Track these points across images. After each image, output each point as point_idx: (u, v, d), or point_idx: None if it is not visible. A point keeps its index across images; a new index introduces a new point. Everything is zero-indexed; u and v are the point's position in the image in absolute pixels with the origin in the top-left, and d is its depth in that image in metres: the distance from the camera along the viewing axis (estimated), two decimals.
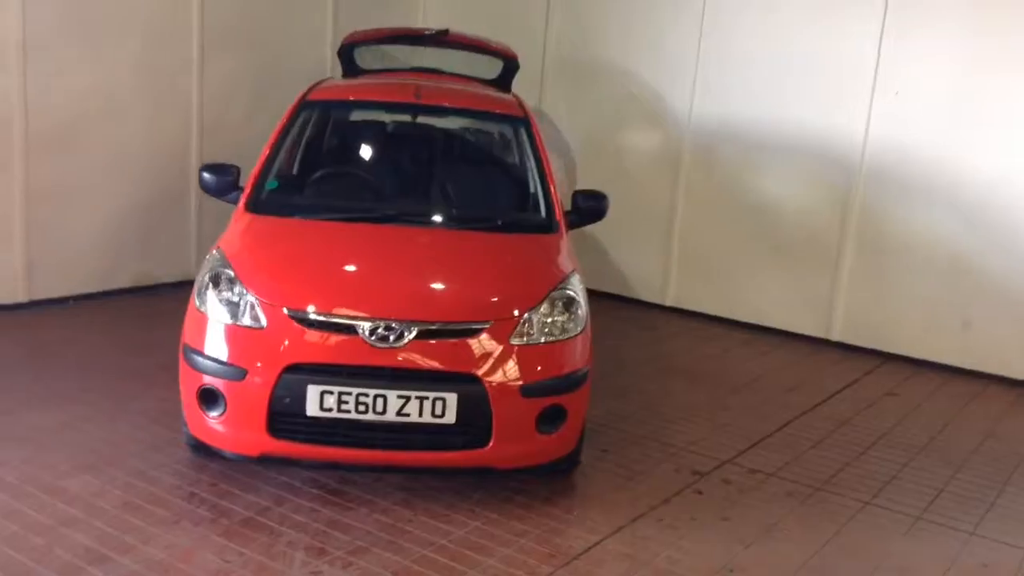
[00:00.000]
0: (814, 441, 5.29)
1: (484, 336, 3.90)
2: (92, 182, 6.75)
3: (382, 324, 3.82)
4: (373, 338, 3.80)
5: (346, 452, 3.85)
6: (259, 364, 3.80)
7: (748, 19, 7.42)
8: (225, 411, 3.87)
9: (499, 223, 4.65)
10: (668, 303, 8.08)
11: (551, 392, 3.99)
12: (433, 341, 3.86)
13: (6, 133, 6.18)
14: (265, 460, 3.99)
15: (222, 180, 4.71)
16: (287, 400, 3.78)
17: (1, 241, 6.25)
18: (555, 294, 4.15)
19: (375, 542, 3.77)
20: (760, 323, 7.63)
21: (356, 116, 5.51)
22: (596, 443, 4.92)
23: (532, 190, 5.00)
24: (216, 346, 3.89)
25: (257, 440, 3.85)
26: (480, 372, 3.85)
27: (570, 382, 4.07)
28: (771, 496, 4.53)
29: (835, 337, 7.38)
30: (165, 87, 7.05)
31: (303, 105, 5.11)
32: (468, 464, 3.95)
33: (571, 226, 4.92)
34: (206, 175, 4.72)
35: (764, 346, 7.25)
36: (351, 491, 4.17)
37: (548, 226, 4.68)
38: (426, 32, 7.08)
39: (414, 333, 3.83)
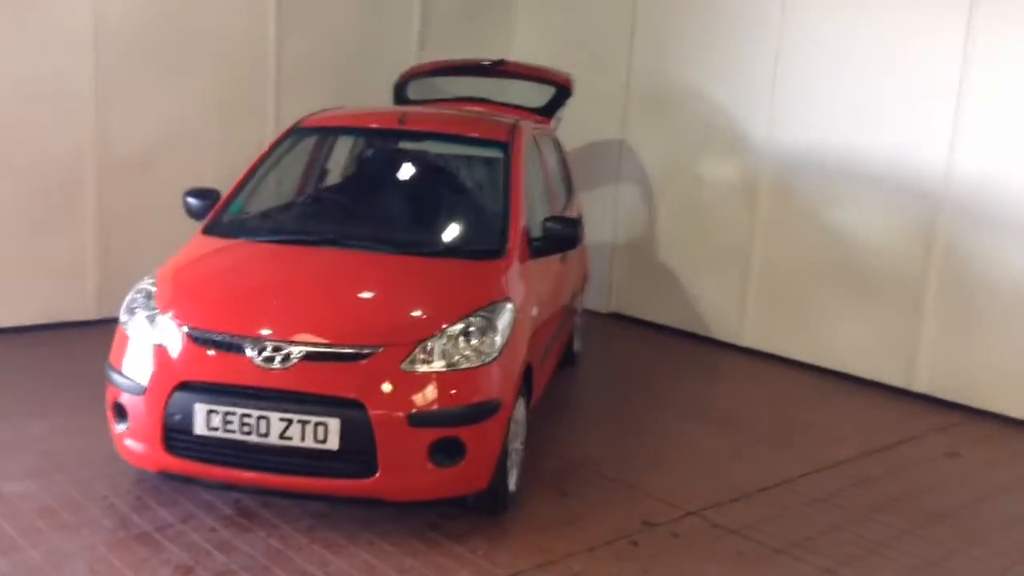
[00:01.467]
0: (814, 499, 4.76)
1: (373, 361, 3.79)
2: (166, 207, 7.13)
3: (269, 345, 3.79)
4: (260, 359, 3.78)
5: (234, 473, 3.83)
6: (155, 381, 3.86)
7: (827, 44, 6.89)
8: (128, 426, 3.96)
9: (440, 248, 4.51)
10: (744, 343, 7.57)
11: (444, 423, 3.81)
12: (319, 364, 3.78)
13: (81, 161, 6.65)
14: (167, 477, 4.03)
15: (205, 204, 4.85)
16: (177, 418, 3.82)
17: (75, 263, 6.71)
18: (468, 321, 3.97)
19: (249, 566, 3.72)
20: (838, 369, 7.00)
21: (346, 143, 5.52)
22: (560, 482, 4.68)
23: (493, 216, 4.83)
24: (127, 362, 3.99)
25: (155, 456, 3.90)
26: (364, 398, 3.73)
27: (469, 413, 3.86)
28: (714, 554, 4.10)
29: (918, 388, 6.64)
30: (240, 115, 7.34)
31: (292, 131, 5.21)
32: (354, 493, 3.83)
33: (537, 252, 4.70)
34: (191, 200, 4.87)
35: (835, 394, 6.64)
36: (264, 514, 4.14)
37: (496, 252, 4.49)
38: (483, 63, 7.06)
39: (300, 355, 3.77)
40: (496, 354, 3.97)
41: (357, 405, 3.72)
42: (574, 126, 8.37)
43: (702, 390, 6.52)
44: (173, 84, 7.03)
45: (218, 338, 3.86)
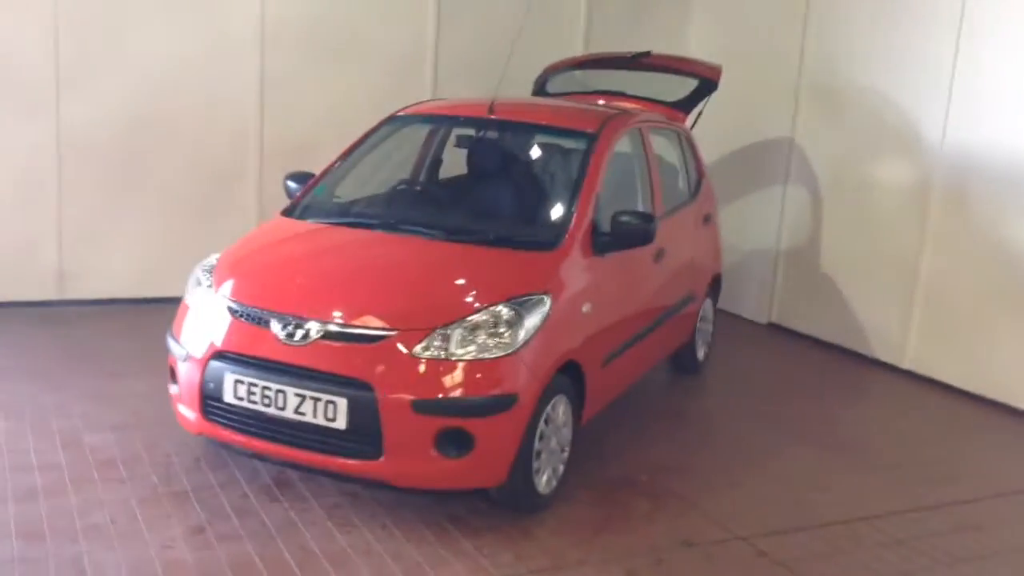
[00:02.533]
0: (895, 540, 4.24)
1: (387, 344, 3.78)
2: None
3: (292, 321, 3.88)
4: (283, 334, 3.87)
5: (256, 443, 3.95)
6: (197, 349, 4.06)
7: (1012, 37, 6.09)
8: (179, 391, 4.19)
9: (491, 237, 4.41)
10: (904, 365, 6.87)
11: (450, 412, 3.74)
12: (335, 343, 3.82)
13: (245, 153, 7.13)
14: (207, 440, 4.22)
15: (301, 187, 5.05)
16: (212, 385, 3.99)
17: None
18: (492, 311, 3.87)
19: (256, 534, 3.83)
20: (1006, 402, 6.20)
21: (438, 131, 5.51)
22: (612, 489, 4.49)
23: (558, 207, 4.66)
24: (182, 331, 4.22)
25: (196, 420, 4.11)
26: (373, 380, 3.73)
27: (478, 405, 3.76)
28: None
29: None
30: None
31: (388, 120, 5.30)
32: (361, 474, 3.84)
33: (604, 248, 4.51)
34: (290, 183, 5.09)
35: (989, 429, 5.89)
36: (299, 487, 4.26)
37: (551, 244, 4.34)
38: (627, 56, 6.86)
39: (319, 333, 3.83)
40: (516, 347, 3.84)
41: (366, 386, 3.72)
42: (742, 122, 8.01)
43: (831, 412, 5.96)
44: (331, 82, 7.35)
45: (251, 312, 3.99)
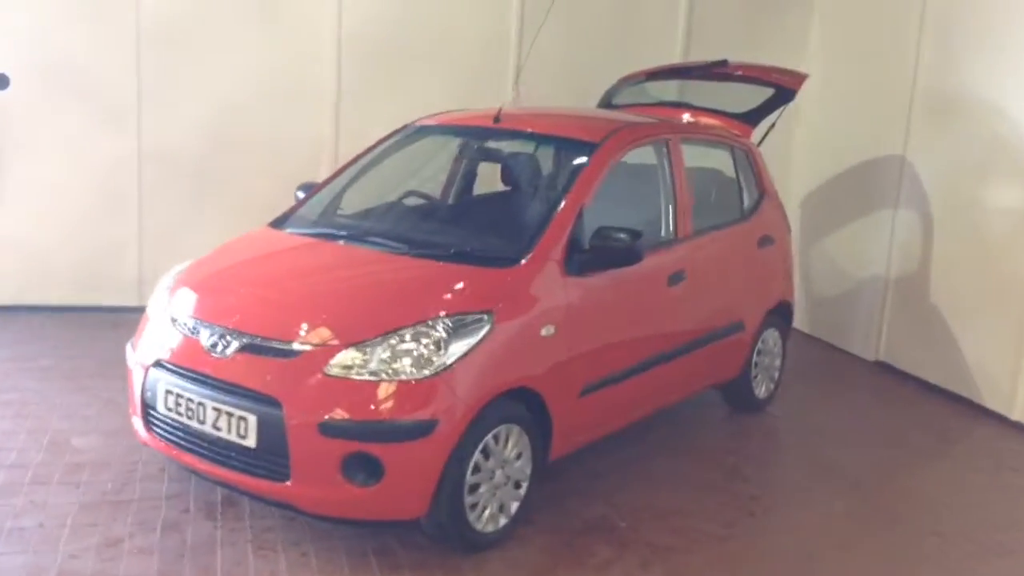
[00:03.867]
0: None
1: (300, 360, 3.57)
2: None
3: (219, 332, 3.75)
4: (208, 345, 3.76)
5: (185, 456, 3.84)
6: (144, 358, 4.01)
7: None
8: (129, 399, 4.16)
9: (451, 252, 4.11)
10: (1015, 416, 5.96)
11: (357, 436, 3.48)
12: (253, 356, 3.66)
13: (319, 154, 7.15)
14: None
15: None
16: (149, 394, 3.93)
17: None
18: (416, 329, 3.59)
19: (169, 550, 3.72)
20: None
21: (450, 143, 5.24)
22: (579, 535, 4.08)
23: (534, 222, 4.29)
24: (139, 340, 4.19)
25: (142, 431, 4.06)
26: (282, 397, 3.53)
27: (388, 430, 3.48)
28: None
29: None
30: None
31: (399, 131, 5.13)
32: (274, 497, 3.64)
33: (582, 266, 4.12)
34: (298, 193, 5.02)
35: None
36: (244, 505, 4.11)
37: (513, 260, 4.00)
38: (704, 65, 6.39)
39: (240, 346, 3.68)
40: (438, 369, 3.53)
41: (275, 404, 3.53)
42: (852, 136, 7.32)
43: (904, 467, 5.19)
44: (407, 92, 7.24)
45: (186, 322, 3.90)
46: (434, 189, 5.13)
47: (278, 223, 4.66)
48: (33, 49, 6.65)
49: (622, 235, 4.12)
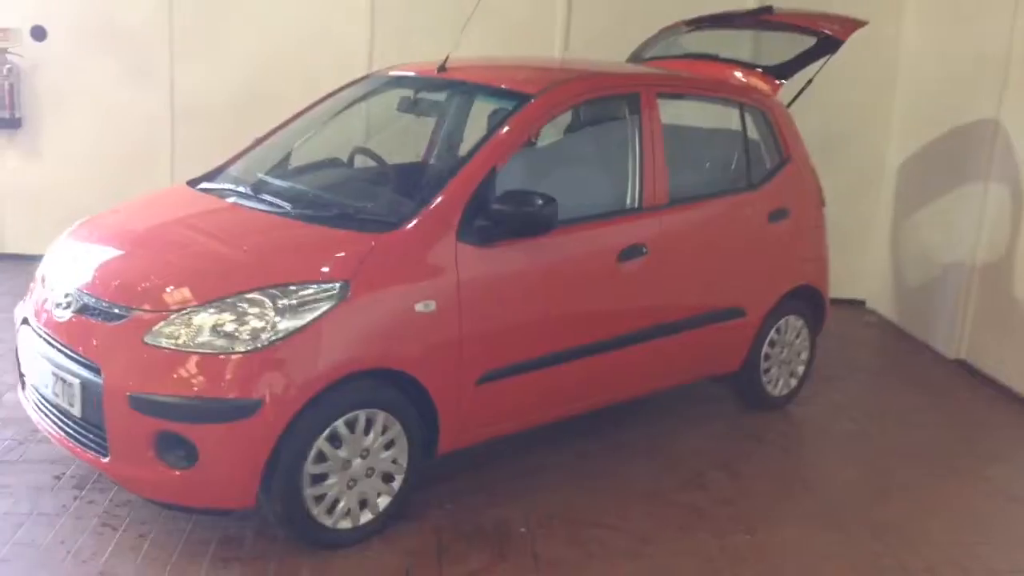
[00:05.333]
0: None
1: (125, 325, 3.26)
2: None
3: (64, 292, 3.50)
4: (54, 304, 3.52)
5: (41, 422, 3.61)
6: (17, 314, 3.83)
7: None
8: None
9: (332, 213, 3.66)
10: None
11: (166, 413, 3.13)
12: (86, 319, 3.37)
13: None
14: None
15: None
16: (18, 355, 3.75)
17: None
18: (247, 297, 3.20)
19: (24, 515, 3.51)
20: None
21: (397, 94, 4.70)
22: (462, 537, 3.57)
23: (431, 182, 3.79)
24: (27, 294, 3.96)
25: (20, 389, 3.88)
26: (103, 364, 3.24)
27: (198, 409, 3.11)
28: None
29: None
30: None
31: (350, 83, 4.72)
32: (99, 470, 3.36)
33: (483, 235, 3.60)
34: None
35: None
36: None
37: (393, 224, 3.53)
38: (744, 14, 5.64)
39: (76, 307, 3.41)
40: (265, 344, 3.13)
41: (96, 370, 3.24)
42: (945, 103, 6.31)
43: (894, 496, 4.35)
44: (445, 52, 6.81)
45: (45, 278, 3.68)
46: (382, 145, 4.66)
47: (198, 179, 4.33)
48: (70, 2, 6.67)
49: (531, 200, 3.56)
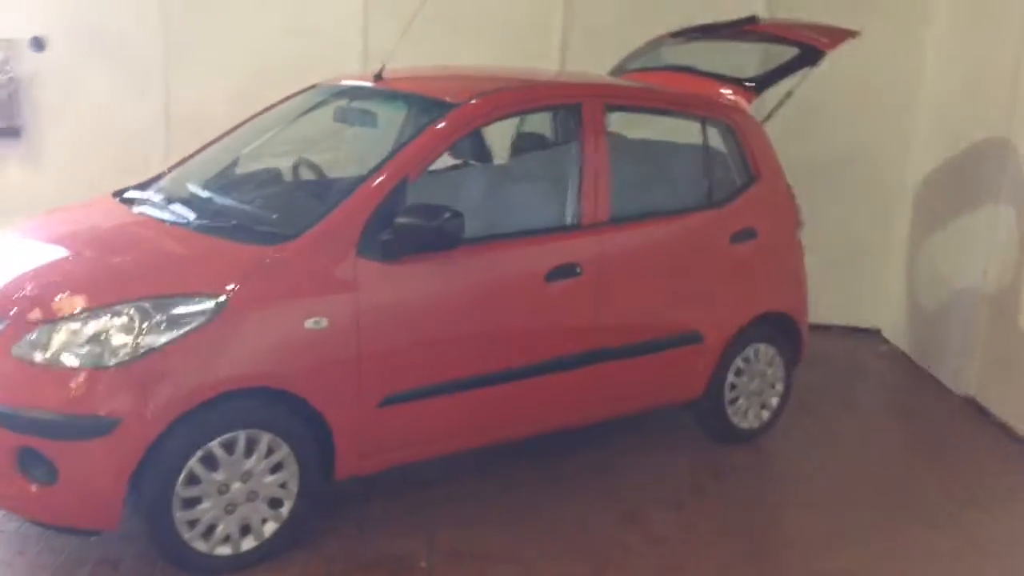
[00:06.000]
0: None
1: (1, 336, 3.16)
2: None
3: None
4: None
5: None
6: None
7: None
8: None
9: (231, 224, 3.51)
10: None
11: (22, 428, 3.01)
12: None
13: None
14: None
15: None
16: None
17: None
18: (112, 309, 3.07)
19: None
20: None
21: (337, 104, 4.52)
22: (354, 569, 3.38)
23: (334, 193, 3.61)
24: None
25: None
26: None
27: (54, 425, 2.98)
28: None
29: None
30: None
31: (298, 92, 4.60)
32: None
33: (386, 250, 3.41)
34: None
35: None
36: None
37: (290, 236, 3.37)
38: (728, 24, 5.38)
39: None
40: (124, 360, 2.99)
41: None
42: (961, 118, 5.94)
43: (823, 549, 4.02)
44: (439, 57, 6.58)
45: None
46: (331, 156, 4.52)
47: (124, 190, 4.21)
48: (68, 13, 6.72)
49: (437, 213, 3.37)
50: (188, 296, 3.12)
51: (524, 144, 4.33)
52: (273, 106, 4.53)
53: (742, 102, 4.72)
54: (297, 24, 6.72)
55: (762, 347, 4.69)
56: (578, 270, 3.89)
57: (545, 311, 3.86)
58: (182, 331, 3.06)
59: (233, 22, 6.72)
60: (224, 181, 4.06)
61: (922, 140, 6.54)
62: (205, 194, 3.86)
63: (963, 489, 4.48)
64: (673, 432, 4.78)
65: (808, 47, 4.81)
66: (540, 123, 4.18)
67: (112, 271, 3.31)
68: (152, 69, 6.78)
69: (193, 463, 3.12)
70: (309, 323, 3.26)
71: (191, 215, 3.60)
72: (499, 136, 4.39)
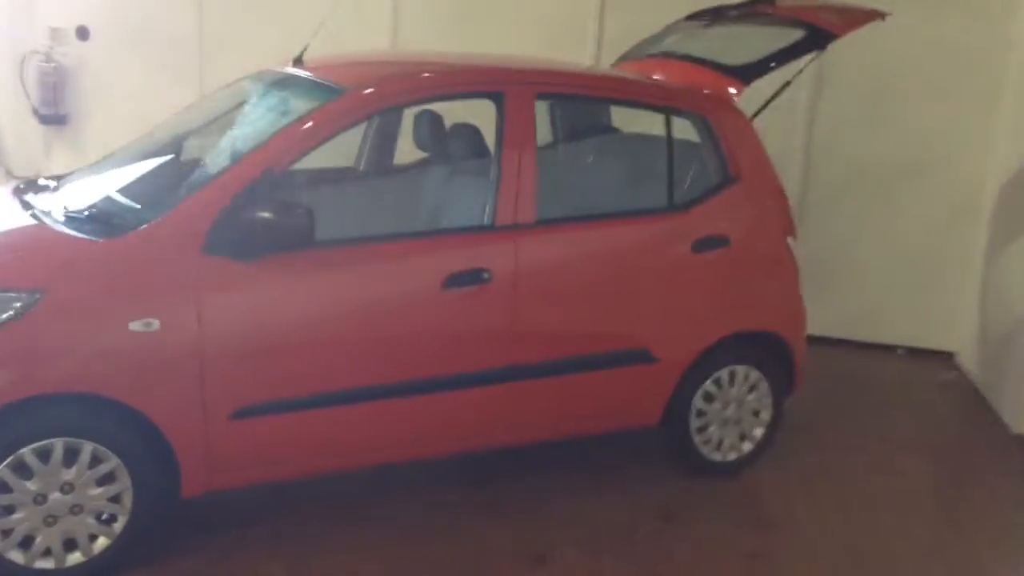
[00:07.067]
0: None
1: None
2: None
3: None
4: None
5: None
6: None
7: None
8: None
9: (83, 216, 3.28)
10: None
11: None
12: None
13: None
14: None
15: None
16: None
17: None
18: None
19: None
20: None
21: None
22: None
23: (190, 183, 3.31)
24: None
25: None
26: None
27: None
28: None
29: None
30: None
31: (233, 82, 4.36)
32: None
33: (237, 247, 3.12)
34: None
35: None
36: None
37: (126, 229, 3.13)
38: (745, 3, 4.82)
39: None
40: None
41: None
42: None
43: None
44: (470, 48, 6.36)
45: None
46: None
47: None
48: (110, 2, 6.79)
49: (284, 210, 3.05)
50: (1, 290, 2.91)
51: (433, 135, 3.93)
52: (213, 94, 4.29)
53: (727, 93, 4.14)
54: (331, 12, 6.55)
55: (740, 370, 4.12)
56: (485, 276, 3.47)
57: (439, 321, 3.46)
58: None
59: (264, 13, 6.62)
60: (138, 174, 3.82)
61: (1007, 146, 5.67)
62: (86, 186, 3.64)
63: (968, 555, 3.76)
64: (641, 460, 4.27)
65: (818, 29, 4.19)
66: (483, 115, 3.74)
67: None
68: (188, 57, 6.77)
69: (2, 469, 2.92)
70: (136, 325, 3.00)
71: (53, 206, 3.39)
72: None
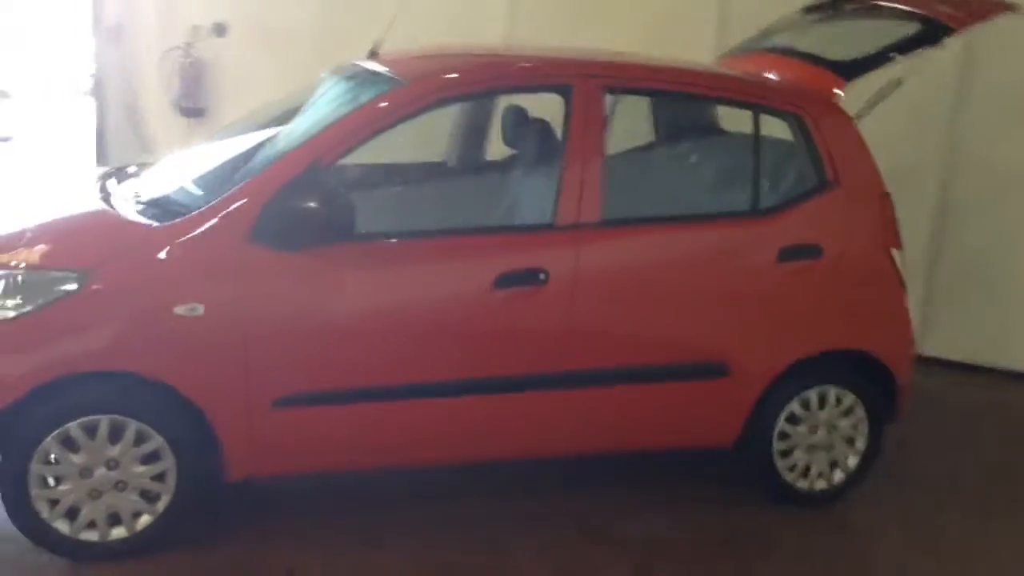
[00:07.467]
0: None
1: None
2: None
3: None
4: None
5: None
6: None
7: None
8: None
9: (147, 203, 3.34)
10: None
11: None
12: None
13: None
14: None
15: None
16: None
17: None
18: None
19: None
20: None
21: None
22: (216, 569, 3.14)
23: (240, 174, 3.30)
24: None
25: None
26: None
27: None
28: None
29: None
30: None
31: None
32: None
33: (281, 237, 3.11)
34: None
35: None
36: None
37: (182, 213, 3.18)
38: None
39: None
40: None
41: None
42: None
43: None
44: (593, 30, 6.24)
45: None
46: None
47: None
48: (247, 1, 7.05)
49: (325, 202, 3.03)
50: (53, 269, 3.01)
51: (499, 128, 3.81)
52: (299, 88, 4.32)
53: (827, 90, 3.84)
54: (449, 11, 6.56)
55: (833, 391, 3.80)
56: (542, 277, 3.33)
57: (489, 321, 3.34)
58: (37, 304, 2.95)
59: (380, 15, 6.70)
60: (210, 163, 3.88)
61: None
62: (170, 176, 3.72)
63: None
64: (719, 484, 4.03)
65: (934, 22, 3.83)
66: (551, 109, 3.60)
67: (10, 241, 3.24)
68: (318, 54, 6.91)
69: (49, 441, 3.01)
70: (181, 309, 3.03)
71: (132, 194, 3.49)
72: None
